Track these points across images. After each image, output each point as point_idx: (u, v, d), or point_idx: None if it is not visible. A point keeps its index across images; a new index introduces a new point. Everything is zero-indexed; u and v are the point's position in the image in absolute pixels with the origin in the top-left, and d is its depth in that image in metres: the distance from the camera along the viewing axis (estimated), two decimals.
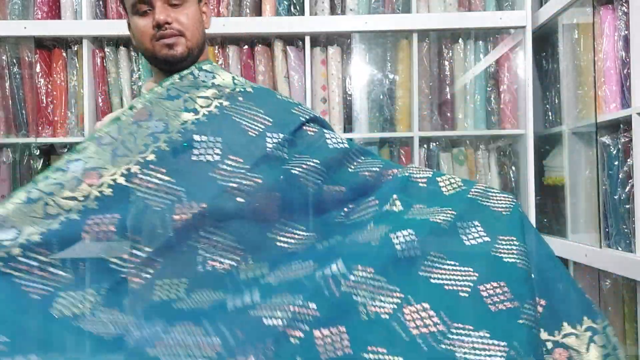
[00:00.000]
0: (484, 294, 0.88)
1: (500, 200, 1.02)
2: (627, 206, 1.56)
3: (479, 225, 0.97)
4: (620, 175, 1.59)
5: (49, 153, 2.05)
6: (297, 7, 2.03)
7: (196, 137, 0.95)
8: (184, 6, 1.10)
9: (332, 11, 2.05)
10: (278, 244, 0.95)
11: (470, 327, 0.84)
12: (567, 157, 1.93)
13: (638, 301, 1.53)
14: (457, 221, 0.96)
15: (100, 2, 2.04)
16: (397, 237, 0.91)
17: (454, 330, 0.83)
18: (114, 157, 0.91)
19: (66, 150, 2.03)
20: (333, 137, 1.06)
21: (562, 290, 0.97)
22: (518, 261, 0.92)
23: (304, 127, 1.05)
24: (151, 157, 0.92)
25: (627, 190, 1.56)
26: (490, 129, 2.07)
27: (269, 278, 0.90)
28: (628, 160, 1.56)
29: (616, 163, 1.62)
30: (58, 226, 0.85)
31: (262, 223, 0.94)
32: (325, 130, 1.08)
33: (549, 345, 0.93)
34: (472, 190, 1.03)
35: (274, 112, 1.04)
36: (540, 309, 0.94)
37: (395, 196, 0.99)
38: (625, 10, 1.58)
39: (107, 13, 2.03)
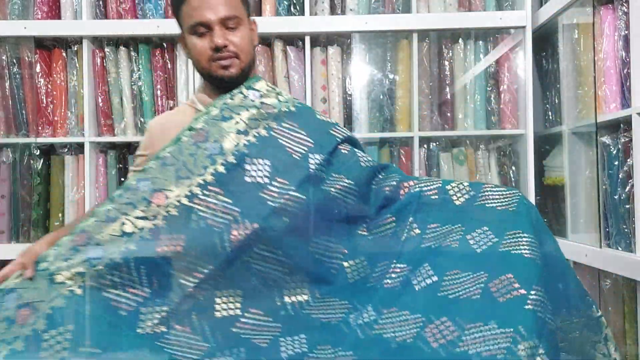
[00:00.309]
0: (493, 289, 0.93)
1: (507, 197, 1.07)
2: (627, 206, 1.56)
3: (488, 229, 1.03)
4: (620, 175, 1.59)
5: (49, 153, 2.05)
6: (297, 7, 2.03)
7: (247, 159, 1.06)
8: (239, 29, 1.17)
9: (332, 11, 2.05)
10: (317, 256, 1.06)
11: (481, 323, 0.89)
12: (567, 157, 1.93)
13: (638, 301, 1.53)
14: (467, 234, 1.03)
15: (100, 2, 2.04)
16: (415, 276, 1.02)
17: (467, 332, 0.89)
18: (177, 179, 1.03)
19: (66, 150, 2.03)
20: (363, 157, 1.17)
21: (564, 281, 1.03)
22: (525, 251, 0.96)
23: (339, 147, 1.15)
24: (210, 178, 1.03)
25: (627, 190, 1.56)
26: (490, 129, 2.06)
27: (311, 311, 1.02)
28: (628, 160, 1.56)
29: (616, 163, 1.62)
30: (134, 245, 0.96)
31: (305, 239, 1.05)
32: (356, 150, 1.17)
33: None
34: (480, 194, 1.09)
35: (315, 133, 1.15)
36: None
37: (411, 219, 1.10)
38: (625, 10, 1.58)
39: (107, 13, 2.03)
